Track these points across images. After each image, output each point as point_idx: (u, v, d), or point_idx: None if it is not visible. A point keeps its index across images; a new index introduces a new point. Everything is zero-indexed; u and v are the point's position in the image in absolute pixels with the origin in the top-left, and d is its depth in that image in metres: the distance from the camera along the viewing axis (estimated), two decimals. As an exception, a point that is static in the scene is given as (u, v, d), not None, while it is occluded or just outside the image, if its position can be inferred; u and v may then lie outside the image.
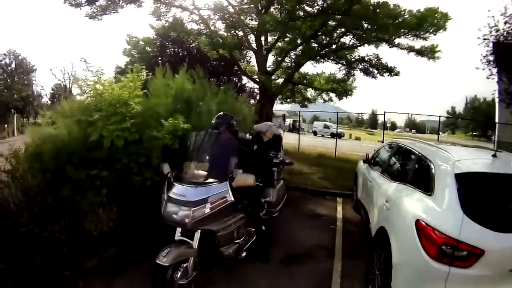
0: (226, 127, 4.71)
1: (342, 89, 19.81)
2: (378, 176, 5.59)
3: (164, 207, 3.97)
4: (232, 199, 4.02)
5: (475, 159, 3.96)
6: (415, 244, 3.14)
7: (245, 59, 21.26)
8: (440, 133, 21.76)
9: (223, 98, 6.70)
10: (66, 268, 4.18)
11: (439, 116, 18.58)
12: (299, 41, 16.55)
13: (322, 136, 42.53)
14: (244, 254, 4.60)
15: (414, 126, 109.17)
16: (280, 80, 19.49)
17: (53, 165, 4.86)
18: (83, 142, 4.93)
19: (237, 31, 17.25)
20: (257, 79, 17.73)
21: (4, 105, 41.48)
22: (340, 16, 14.83)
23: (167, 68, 6.68)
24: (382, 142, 14.44)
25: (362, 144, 32.02)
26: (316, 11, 15.64)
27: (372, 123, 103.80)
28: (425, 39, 15.77)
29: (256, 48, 17.58)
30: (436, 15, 14.76)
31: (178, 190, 3.98)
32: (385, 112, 18.72)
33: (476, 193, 3.26)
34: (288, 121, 42.91)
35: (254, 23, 17.45)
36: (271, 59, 19.39)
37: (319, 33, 16.26)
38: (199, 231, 3.90)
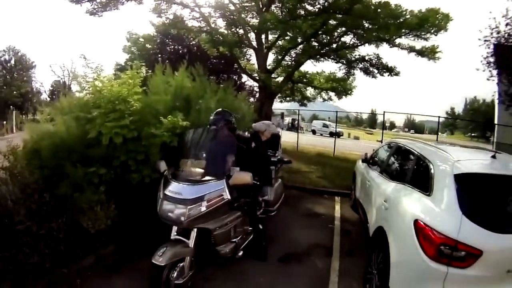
0: (225, 124, 4.67)
1: (342, 88, 19.85)
2: (377, 175, 5.59)
3: (160, 205, 3.94)
4: (229, 197, 3.97)
5: (474, 160, 3.95)
6: (414, 244, 3.13)
7: (245, 57, 21.30)
8: (439, 133, 21.73)
9: (222, 96, 6.68)
10: (64, 266, 4.17)
11: (438, 117, 18.59)
12: (299, 40, 16.57)
13: (321, 135, 42.65)
14: (241, 253, 4.58)
15: (413, 126, 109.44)
16: (280, 79, 19.53)
17: (51, 162, 4.83)
18: (82, 139, 4.91)
19: (237, 29, 17.25)
20: (257, 77, 17.75)
21: (3, 102, 41.41)
22: (341, 15, 14.86)
23: (167, 65, 6.67)
24: (381, 142, 14.44)
25: (361, 143, 32.08)
26: (317, 10, 15.67)
27: (371, 122, 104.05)
28: (426, 39, 15.84)
29: (256, 46, 17.59)
30: (437, 15, 14.80)
31: (174, 188, 3.94)
32: (384, 112, 18.69)
33: (475, 194, 3.26)
34: (287, 119, 43.03)
35: (254, 21, 17.49)
36: (271, 57, 19.47)
37: (319, 32, 16.28)
38: (195, 229, 3.87)
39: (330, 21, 15.62)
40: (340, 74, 20.13)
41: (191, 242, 3.83)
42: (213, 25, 17.16)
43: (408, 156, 4.84)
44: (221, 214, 4.09)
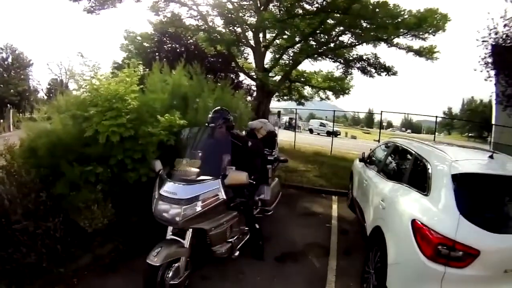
0: (223, 122, 4.64)
1: (339, 87, 19.87)
2: (374, 175, 5.58)
3: (155, 205, 3.92)
4: (224, 197, 3.95)
5: (472, 160, 3.95)
6: (411, 243, 3.14)
7: (243, 56, 21.29)
8: (437, 133, 21.79)
9: (220, 95, 6.66)
10: (60, 265, 4.16)
11: (436, 117, 18.66)
12: (297, 39, 16.59)
13: (318, 134, 42.68)
14: (237, 253, 4.56)
15: (410, 125, 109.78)
16: (278, 77, 19.53)
17: (48, 160, 4.81)
18: (79, 137, 4.88)
19: (235, 28, 17.22)
20: (255, 76, 17.74)
21: (0, 100, 41.20)
22: (339, 15, 14.85)
23: (164, 63, 6.64)
24: (378, 141, 14.46)
25: (358, 142, 32.16)
26: (315, 9, 15.66)
27: (368, 122, 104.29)
28: (424, 39, 15.87)
29: (254, 45, 17.58)
30: (435, 16, 14.81)
31: (169, 187, 3.92)
32: (382, 111, 18.74)
33: (472, 193, 3.28)
34: (285, 118, 43.01)
35: (252, 19, 17.47)
36: (268, 56, 19.46)
37: (317, 31, 16.25)
38: (191, 230, 3.84)
39: (328, 20, 15.61)
40: (337, 73, 20.19)
41: (186, 243, 3.81)
42: (211, 24, 17.16)
43: (406, 155, 4.84)
44: (216, 214, 4.07)
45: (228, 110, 4.97)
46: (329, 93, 20.91)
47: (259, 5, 16.61)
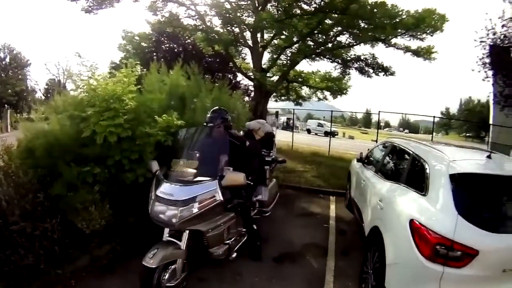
0: (221, 122, 4.63)
1: (337, 87, 19.89)
2: (372, 175, 5.59)
3: (151, 206, 3.89)
4: (221, 198, 3.91)
5: (470, 160, 3.96)
6: (409, 244, 3.14)
7: (241, 56, 21.27)
8: (434, 133, 21.84)
9: (217, 95, 6.66)
10: (58, 266, 4.14)
11: (433, 117, 18.68)
12: (295, 39, 16.60)
13: (316, 134, 42.72)
14: (234, 255, 4.53)
15: (408, 126, 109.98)
16: (275, 78, 19.48)
17: (45, 161, 4.79)
18: (76, 138, 4.86)
19: (233, 28, 17.20)
20: (252, 76, 17.73)
21: (-3, 100, 41.07)
22: (337, 15, 14.86)
23: (162, 63, 6.64)
24: (376, 141, 14.48)
25: (356, 143, 32.20)
26: (313, 9, 15.67)
27: (366, 122, 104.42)
28: (421, 39, 15.91)
29: (251, 45, 17.57)
30: (433, 16, 14.85)
31: (165, 188, 3.89)
32: (379, 111, 18.75)
33: (470, 193, 3.27)
34: (282, 118, 43.02)
35: (250, 19, 17.46)
36: (266, 56, 19.48)
37: (315, 31, 16.27)
38: (187, 231, 3.82)
39: (326, 20, 15.64)
40: (335, 73, 20.21)
41: (183, 244, 3.78)
42: (208, 24, 17.13)
43: (404, 155, 4.84)
44: (213, 216, 4.03)
45: (226, 110, 4.96)
46: (327, 93, 20.93)
47: (257, 5, 16.61)
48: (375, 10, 14.13)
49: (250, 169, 4.69)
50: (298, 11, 16.04)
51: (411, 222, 3.23)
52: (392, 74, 18.45)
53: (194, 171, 4.11)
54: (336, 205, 8.18)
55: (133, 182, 4.97)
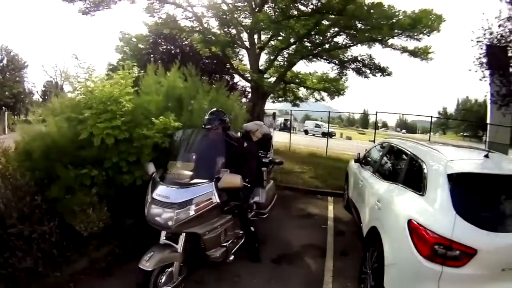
0: (219, 124, 4.60)
1: (334, 88, 19.87)
2: (370, 175, 5.59)
3: (147, 209, 3.86)
4: (218, 200, 3.89)
5: (468, 159, 3.97)
6: (408, 244, 3.14)
7: (238, 57, 21.25)
8: (432, 133, 21.87)
9: (215, 97, 6.65)
10: (57, 269, 4.13)
11: (431, 117, 18.73)
12: (292, 40, 16.58)
13: (314, 135, 42.70)
14: (232, 257, 4.50)
15: (405, 126, 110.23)
16: (272, 79, 19.49)
17: (43, 163, 4.77)
18: (73, 140, 4.85)
19: (230, 29, 17.21)
20: (249, 78, 17.73)
21: (-5, 103, 40.91)
22: (334, 16, 14.87)
23: (159, 65, 6.63)
24: (373, 141, 14.50)
25: (353, 143, 32.22)
26: (310, 10, 15.68)
27: (364, 123, 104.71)
28: (418, 40, 15.93)
29: (248, 46, 17.57)
30: (430, 16, 14.87)
31: (162, 191, 3.86)
32: (376, 112, 18.74)
33: (468, 193, 3.28)
34: (280, 120, 43.07)
35: (247, 21, 17.48)
36: (263, 57, 19.43)
37: (312, 32, 16.27)
38: (184, 234, 3.80)
39: (323, 21, 15.63)
40: (332, 74, 20.19)
41: (180, 247, 3.76)
42: (205, 25, 17.12)
43: (401, 156, 4.85)
44: (210, 218, 4.01)
45: (224, 111, 4.94)
46: (324, 94, 20.92)
47: (254, 7, 16.61)
48: (371, 10, 14.14)
49: (248, 170, 4.67)
50: (295, 12, 16.06)
51: (409, 222, 3.24)
52: (389, 74, 18.47)
53: (191, 173, 4.07)
54: (334, 205, 8.17)
55: (131, 184, 4.96)
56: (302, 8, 16.17)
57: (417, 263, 3.00)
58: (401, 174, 4.48)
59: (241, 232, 4.91)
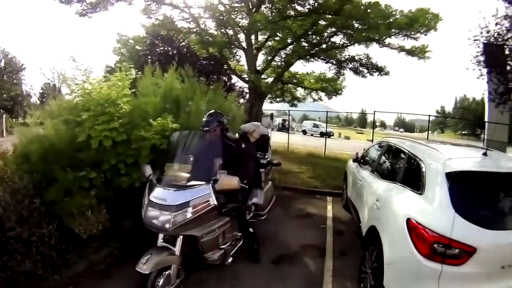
0: (217, 125, 4.59)
1: (332, 88, 19.85)
2: (368, 175, 5.60)
3: (144, 212, 3.83)
4: (216, 202, 3.86)
5: (466, 157, 3.96)
6: (407, 243, 3.15)
7: (235, 58, 21.23)
8: (430, 131, 21.88)
9: (212, 97, 6.65)
10: (56, 272, 4.12)
11: (429, 115, 18.72)
12: (289, 40, 16.59)
13: (312, 135, 42.69)
14: (230, 260, 4.48)
15: (403, 125, 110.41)
16: (270, 79, 19.45)
17: (41, 166, 4.76)
18: (71, 142, 4.84)
19: (227, 30, 17.18)
20: (247, 78, 17.71)
21: (-8, 105, 40.78)
22: (331, 16, 14.88)
23: (156, 66, 6.62)
24: (372, 141, 14.51)
25: (351, 143, 32.27)
26: (307, 10, 15.69)
27: (362, 122, 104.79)
28: (415, 39, 15.92)
29: (246, 47, 17.53)
30: (427, 15, 14.86)
31: (159, 193, 3.83)
32: (374, 111, 18.75)
33: (467, 191, 3.29)
34: (278, 120, 43.04)
35: (244, 21, 17.46)
36: (261, 58, 19.41)
37: (309, 33, 16.27)
38: (181, 236, 3.77)
39: (320, 21, 15.63)
40: (330, 74, 20.14)
41: (177, 250, 3.73)
42: (202, 26, 17.10)
43: (399, 155, 4.85)
44: (208, 221, 3.97)
45: (222, 113, 4.93)
46: (322, 94, 20.88)
47: (250, 7, 16.60)
48: (368, 10, 14.14)
49: (246, 172, 4.66)
50: (292, 13, 16.07)
51: (408, 221, 3.24)
52: (387, 74, 18.45)
53: (188, 175, 4.05)
54: (333, 205, 8.19)
55: (129, 186, 4.95)
56: (299, 8, 16.17)
57: (417, 262, 3.00)
58: (400, 173, 4.49)
59: (239, 234, 4.89)
